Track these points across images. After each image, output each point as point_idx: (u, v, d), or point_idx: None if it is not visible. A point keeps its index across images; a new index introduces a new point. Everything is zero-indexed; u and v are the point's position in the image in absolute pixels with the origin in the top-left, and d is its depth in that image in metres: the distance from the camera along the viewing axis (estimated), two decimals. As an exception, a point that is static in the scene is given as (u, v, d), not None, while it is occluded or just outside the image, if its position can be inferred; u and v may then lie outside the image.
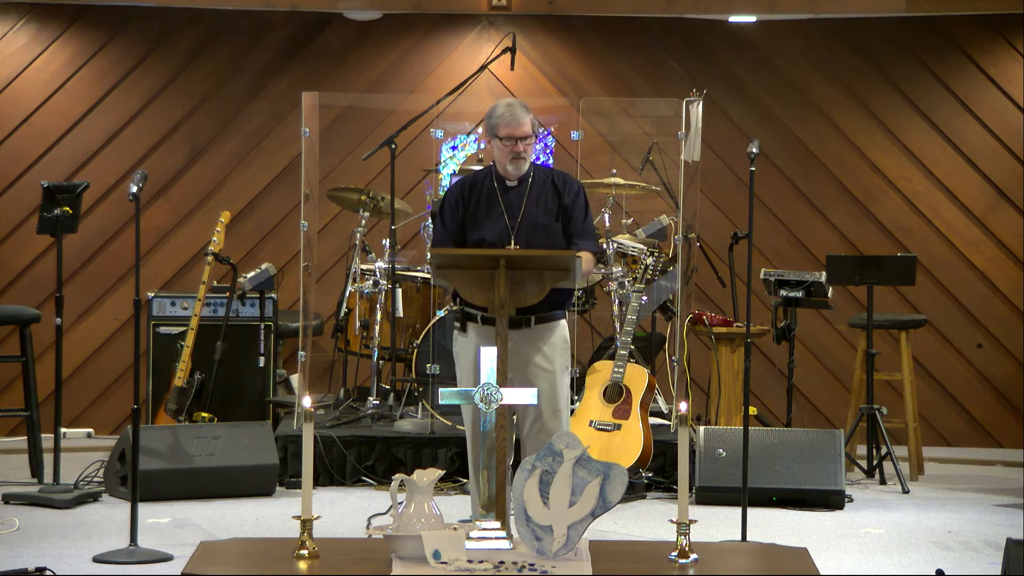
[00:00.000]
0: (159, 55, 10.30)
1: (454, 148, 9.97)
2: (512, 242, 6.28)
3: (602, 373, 8.28)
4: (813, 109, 10.42)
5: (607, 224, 9.10)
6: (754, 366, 7.98)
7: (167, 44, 10.31)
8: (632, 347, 8.39)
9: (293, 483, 8.31)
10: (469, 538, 4.70)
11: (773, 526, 7.60)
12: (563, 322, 6.42)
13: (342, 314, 9.17)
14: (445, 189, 6.31)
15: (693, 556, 4.60)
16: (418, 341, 8.73)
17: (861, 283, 8.92)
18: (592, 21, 10.34)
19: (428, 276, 9.00)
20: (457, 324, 6.38)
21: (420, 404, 8.80)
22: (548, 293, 6.00)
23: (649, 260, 8.62)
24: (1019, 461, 9.68)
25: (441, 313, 8.72)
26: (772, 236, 10.40)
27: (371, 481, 8.42)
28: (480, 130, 9.85)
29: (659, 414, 8.91)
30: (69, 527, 7.34)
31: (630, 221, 9.35)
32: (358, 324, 9.07)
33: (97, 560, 6.65)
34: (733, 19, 10.25)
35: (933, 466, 9.51)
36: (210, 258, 8.89)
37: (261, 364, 9.06)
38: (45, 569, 6.21)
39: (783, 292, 8.95)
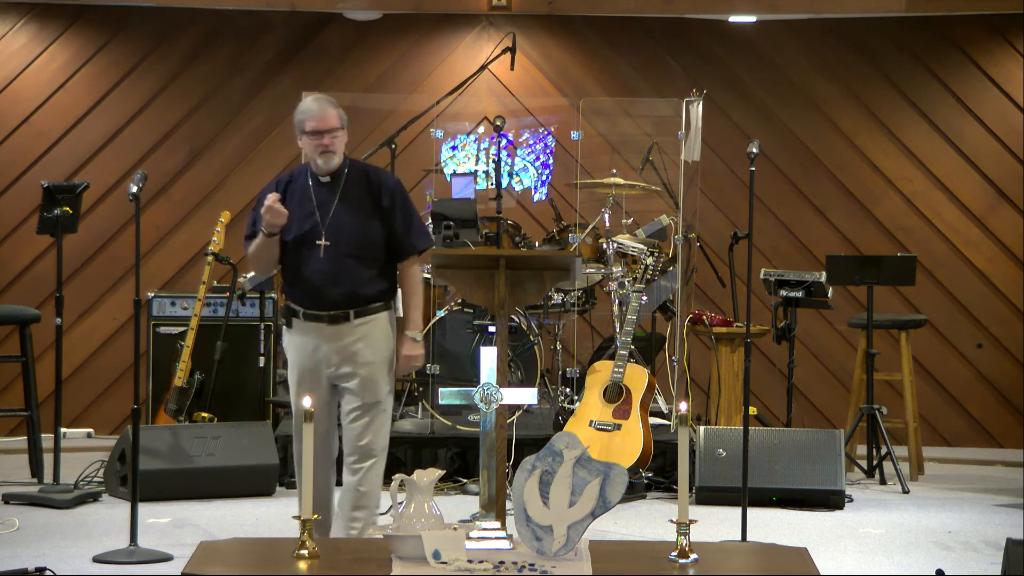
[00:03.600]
0: (159, 55, 10.30)
1: (454, 148, 9.97)
2: (323, 239, 6.24)
3: (602, 373, 8.28)
4: (813, 109, 10.43)
5: (607, 224, 9.10)
6: (754, 366, 7.99)
7: (167, 44, 10.31)
8: (632, 347, 8.39)
9: (293, 483, 8.29)
10: (469, 538, 4.70)
11: (773, 526, 7.60)
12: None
13: (342, 314, 9.16)
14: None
15: (693, 556, 4.60)
16: (418, 341, 8.72)
17: (861, 283, 8.92)
18: (592, 21, 10.35)
19: (428, 276, 9.00)
20: (285, 320, 6.41)
21: (420, 404, 8.80)
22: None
23: (649, 260, 8.61)
24: (1019, 461, 9.68)
25: (441, 313, 8.72)
26: (772, 236, 10.40)
27: (371, 481, 8.40)
28: (480, 130, 9.85)
29: (659, 414, 8.91)
30: (69, 527, 7.34)
31: (630, 221, 9.35)
32: (358, 324, 9.05)
33: (97, 560, 6.65)
34: (733, 19, 10.25)
35: (933, 466, 9.51)
36: (210, 258, 8.89)
37: (261, 364, 9.06)
38: (45, 569, 6.21)
39: (783, 292, 8.96)
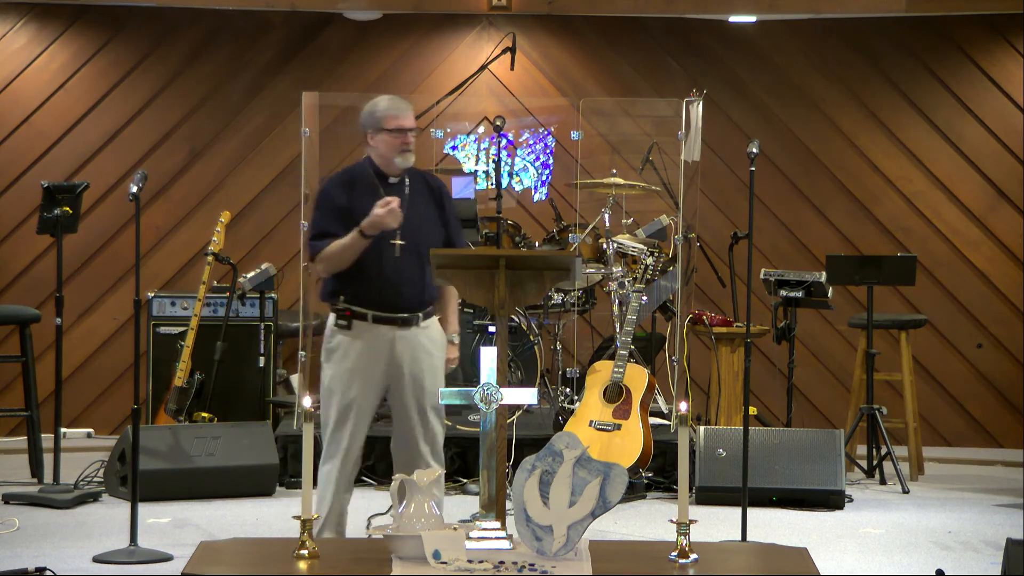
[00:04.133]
0: (159, 55, 10.30)
1: (454, 148, 9.97)
2: (398, 238, 6.25)
3: (602, 373, 8.28)
4: (813, 109, 10.43)
5: (607, 224, 9.10)
6: (754, 366, 7.99)
7: (167, 44, 10.31)
8: (632, 347, 8.39)
9: (293, 483, 8.31)
10: (469, 538, 4.70)
11: (773, 526, 7.60)
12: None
13: (342, 314, 9.16)
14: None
15: (693, 556, 4.60)
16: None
17: (861, 283, 8.92)
18: (592, 21, 10.35)
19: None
20: (342, 321, 6.27)
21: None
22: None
23: (649, 260, 8.62)
24: (1019, 461, 9.68)
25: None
26: (772, 236, 10.40)
27: (371, 481, 8.42)
28: (480, 130, 9.85)
29: (659, 414, 8.91)
30: (69, 527, 7.34)
31: (630, 221, 9.35)
32: (358, 324, 9.06)
33: (97, 560, 6.65)
34: (733, 19, 10.25)
35: (933, 466, 9.51)
36: (210, 258, 8.89)
37: (261, 364, 9.06)
38: (45, 569, 6.21)
39: (783, 292, 8.96)
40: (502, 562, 4.56)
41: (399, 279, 6.23)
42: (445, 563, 4.50)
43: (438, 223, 6.35)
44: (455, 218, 6.45)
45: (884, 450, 8.75)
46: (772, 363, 9.90)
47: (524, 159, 10.19)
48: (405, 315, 6.26)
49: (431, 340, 6.33)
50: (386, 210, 6.10)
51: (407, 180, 6.32)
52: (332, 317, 6.31)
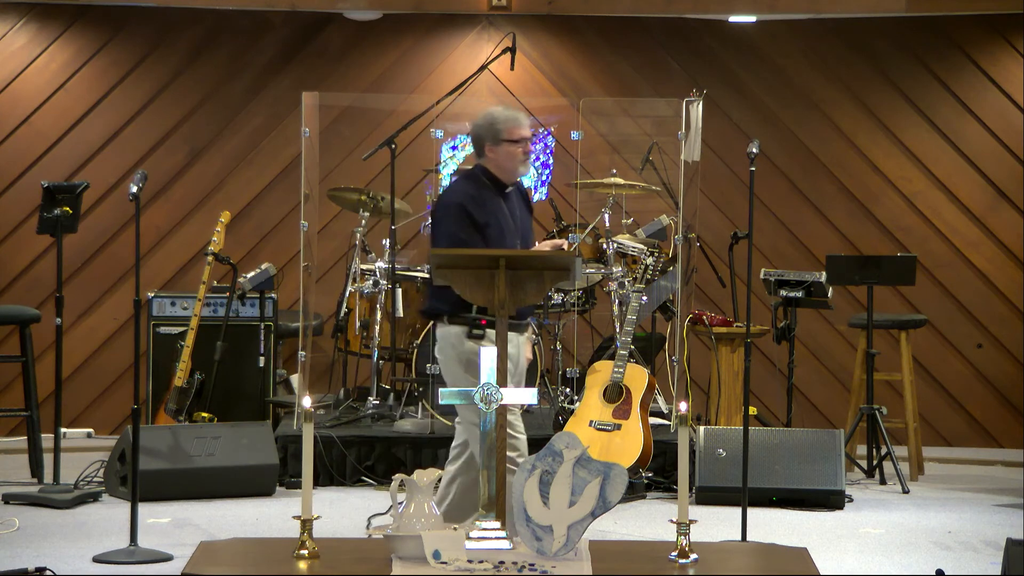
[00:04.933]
0: (159, 55, 10.30)
1: (454, 148, 9.96)
2: (519, 246, 6.42)
3: (602, 373, 8.28)
4: (813, 109, 10.42)
5: (607, 224, 9.10)
6: (754, 366, 7.98)
7: (167, 44, 10.31)
8: (632, 347, 8.38)
9: (293, 483, 8.31)
10: (469, 538, 4.71)
11: (773, 526, 7.60)
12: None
13: (342, 314, 9.17)
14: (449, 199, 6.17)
15: (693, 556, 4.60)
16: (418, 341, 8.73)
17: (861, 283, 8.92)
18: (592, 21, 10.34)
19: (428, 276, 9.00)
20: (478, 331, 6.27)
21: (420, 404, 8.80)
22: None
23: (649, 260, 8.61)
24: (1019, 461, 9.68)
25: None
26: (772, 236, 10.40)
27: (371, 481, 8.42)
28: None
29: (659, 414, 8.91)
30: (69, 527, 7.34)
31: (630, 221, 9.35)
32: (358, 324, 9.07)
33: (97, 560, 6.65)
34: (733, 19, 10.25)
35: (933, 466, 9.51)
36: (210, 258, 8.89)
37: (261, 364, 9.06)
38: (45, 569, 6.21)
39: (783, 292, 8.96)
40: (502, 562, 4.56)
41: None
42: (445, 563, 4.50)
43: (530, 228, 6.50)
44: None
45: (884, 450, 8.75)
46: (772, 363, 9.89)
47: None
48: (523, 321, 6.38)
49: (524, 342, 6.46)
50: (553, 249, 6.29)
51: (513, 187, 6.44)
52: (457, 328, 6.28)
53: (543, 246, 6.33)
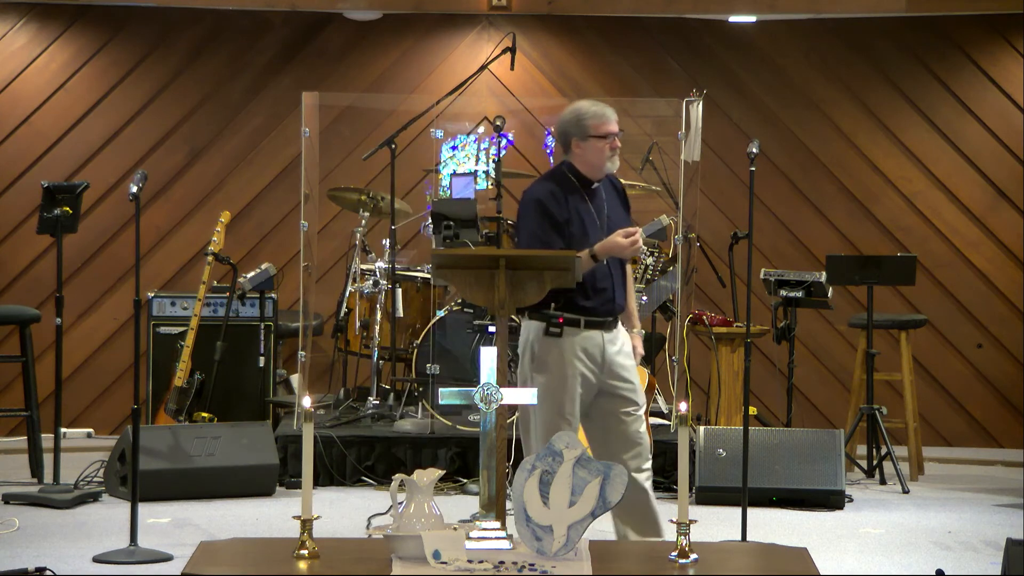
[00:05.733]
0: (159, 55, 10.30)
1: (454, 148, 9.97)
2: None
3: (602, 373, 8.26)
4: (813, 109, 10.43)
5: (607, 224, 9.09)
6: (754, 366, 7.98)
7: (167, 44, 10.31)
8: (632, 347, 8.37)
9: (293, 483, 8.31)
10: (469, 538, 4.70)
11: (773, 526, 7.60)
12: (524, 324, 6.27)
13: (342, 314, 9.17)
14: (536, 196, 5.96)
15: (693, 556, 4.60)
16: (418, 341, 8.73)
17: (861, 283, 8.92)
18: (592, 21, 10.35)
19: (428, 276, 9.00)
20: (554, 329, 6.13)
21: (420, 404, 8.79)
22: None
23: (649, 260, 8.61)
24: (1019, 461, 9.67)
25: (441, 313, 8.71)
26: (772, 236, 10.40)
27: (371, 481, 8.42)
28: (480, 130, 9.83)
29: (659, 414, 8.90)
30: (69, 527, 7.34)
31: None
32: (358, 324, 9.07)
33: (97, 560, 6.65)
34: (733, 19, 10.25)
35: (933, 466, 9.51)
36: (210, 258, 8.89)
37: (261, 364, 9.06)
38: (45, 569, 6.21)
39: (783, 292, 8.96)
40: (502, 562, 4.56)
41: (610, 284, 6.14)
42: (445, 563, 4.50)
43: (628, 224, 6.25)
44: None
45: (884, 450, 8.75)
46: (772, 363, 9.89)
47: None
48: (611, 319, 6.18)
49: (626, 341, 6.29)
50: (629, 241, 6.03)
51: (601, 186, 6.24)
52: (536, 325, 6.14)
53: (616, 236, 6.06)
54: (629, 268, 6.39)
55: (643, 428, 6.26)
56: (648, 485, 6.22)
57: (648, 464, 6.25)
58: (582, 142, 6.14)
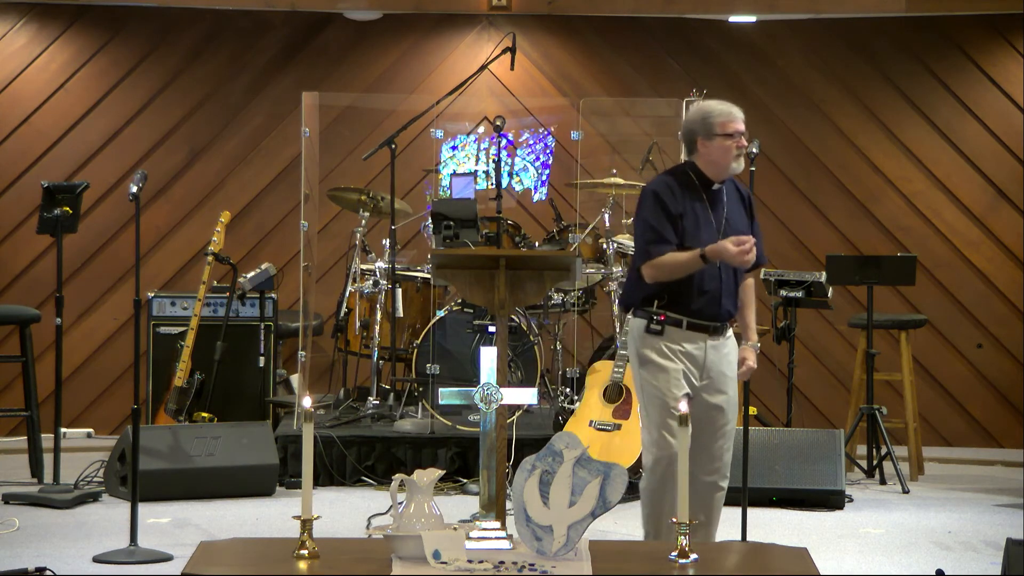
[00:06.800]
0: (159, 55, 10.30)
1: (454, 148, 9.97)
2: None
3: (602, 373, 8.28)
4: (813, 109, 10.42)
5: (607, 224, 9.10)
6: (754, 366, 7.97)
7: (167, 44, 10.31)
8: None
9: (293, 483, 8.31)
10: (469, 538, 4.70)
11: (773, 526, 7.60)
12: (631, 319, 6.16)
13: (342, 314, 9.18)
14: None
15: (693, 556, 4.59)
16: (418, 341, 8.73)
17: (861, 283, 8.92)
18: (592, 21, 10.34)
19: (428, 276, 9.00)
20: (655, 326, 6.07)
21: (420, 404, 8.80)
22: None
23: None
24: (1019, 461, 9.67)
25: (441, 313, 8.72)
26: (772, 236, 10.39)
27: (371, 481, 8.42)
28: (480, 130, 9.84)
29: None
30: (69, 527, 7.34)
31: (630, 221, 9.34)
32: (358, 324, 9.07)
33: (97, 560, 6.65)
34: (733, 19, 10.25)
35: (933, 466, 9.51)
36: (210, 258, 8.89)
37: (261, 364, 9.06)
38: (45, 569, 6.21)
39: (783, 292, 8.96)
40: (502, 562, 4.56)
41: (717, 287, 6.03)
42: (445, 563, 4.50)
43: (749, 231, 6.12)
44: (758, 227, 6.24)
45: (884, 450, 8.75)
46: (772, 363, 9.89)
47: (524, 159, 10.20)
48: (718, 324, 6.06)
49: (733, 352, 6.17)
50: (738, 250, 5.88)
51: (724, 187, 6.12)
52: (639, 321, 6.06)
53: (727, 242, 5.89)
54: (751, 280, 6.24)
55: (727, 444, 6.17)
56: (718, 502, 6.20)
57: (724, 483, 6.19)
58: (708, 141, 6.03)
